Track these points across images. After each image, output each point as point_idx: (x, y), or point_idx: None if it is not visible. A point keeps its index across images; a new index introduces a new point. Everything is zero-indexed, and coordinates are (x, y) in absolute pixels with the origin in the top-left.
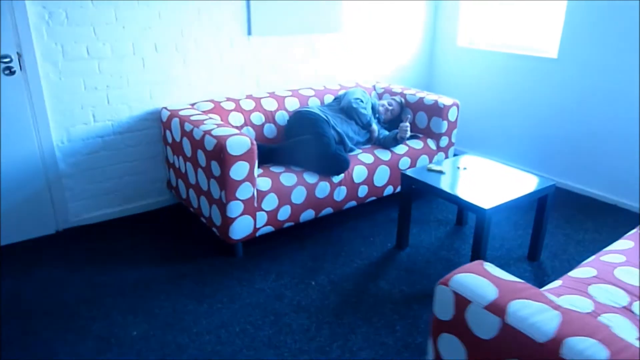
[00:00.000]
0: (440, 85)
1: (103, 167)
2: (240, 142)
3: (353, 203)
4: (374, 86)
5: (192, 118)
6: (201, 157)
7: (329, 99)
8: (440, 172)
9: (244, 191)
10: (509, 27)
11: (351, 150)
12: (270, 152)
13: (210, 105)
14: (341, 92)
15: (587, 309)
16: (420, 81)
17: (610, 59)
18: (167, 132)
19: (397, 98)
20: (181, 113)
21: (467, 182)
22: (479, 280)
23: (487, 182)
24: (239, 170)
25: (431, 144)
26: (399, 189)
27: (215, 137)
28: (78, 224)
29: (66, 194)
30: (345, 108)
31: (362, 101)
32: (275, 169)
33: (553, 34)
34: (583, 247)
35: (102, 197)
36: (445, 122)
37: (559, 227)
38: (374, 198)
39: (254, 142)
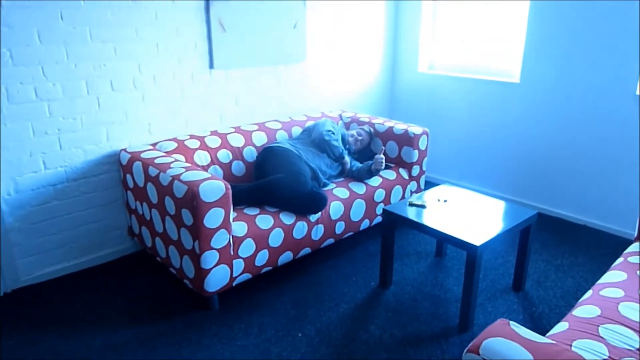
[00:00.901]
0: (402, 112)
1: (55, 218)
2: (214, 188)
3: (331, 241)
4: (340, 115)
5: (156, 161)
6: (170, 205)
7: (297, 131)
8: (422, 206)
9: (220, 239)
10: (470, 52)
11: (325, 185)
12: (242, 193)
13: (174, 145)
14: (309, 124)
15: (603, 354)
16: (383, 108)
17: (574, 81)
18: (128, 176)
19: (366, 127)
20: (143, 155)
21: (452, 216)
22: (511, 346)
23: (470, 214)
24: (213, 218)
25: (403, 173)
26: (375, 221)
27: (185, 182)
28: (30, 283)
29: (14, 250)
30: (317, 141)
31: (333, 133)
32: (249, 212)
33: (515, 57)
34: (563, 273)
35: (56, 250)
36: (416, 151)
37: (536, 253)
38: (351, 233)
39: (229, 186)
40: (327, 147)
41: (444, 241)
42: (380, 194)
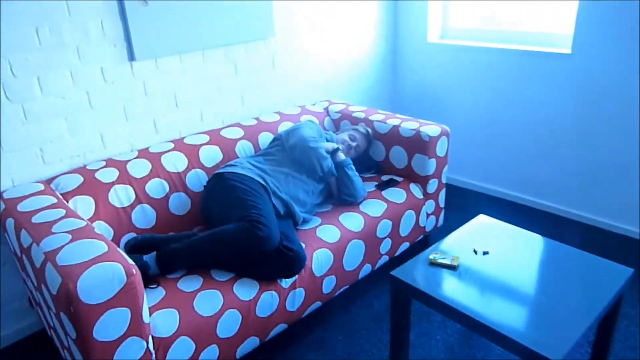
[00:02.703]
0: (408, 99)
1: None
2: (105, 279)
3: (317, 304)
4: (327, 110)
5: (34, 219)
6: (49, 300)
7: (265, 140)
8: (451, 266)
9: (128, 352)
10: (499, 11)
11: (304, 221)
12: (177, 255)
13: (78, 180)
14: (282, 129)
15: None
16: (382, 95)
17: None
18: (5, 236)
19: (362, 127)
20: (21, 206)
21: (501, 286)
22: None
23: (529, 281)
24: (110, 326)
25: (416, 191)
26: (380, 262)
27: (59, 271)
28: None
29: None
30: (296, 153)
31: (318, 140)
32: (185, 287)
33: (565, 17)
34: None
35: None
36: (433, 161)
37: None
38: (345, 287)
39: (135, 271)
40: (314, 160)
41: (495, 343)
42: (384, 227)
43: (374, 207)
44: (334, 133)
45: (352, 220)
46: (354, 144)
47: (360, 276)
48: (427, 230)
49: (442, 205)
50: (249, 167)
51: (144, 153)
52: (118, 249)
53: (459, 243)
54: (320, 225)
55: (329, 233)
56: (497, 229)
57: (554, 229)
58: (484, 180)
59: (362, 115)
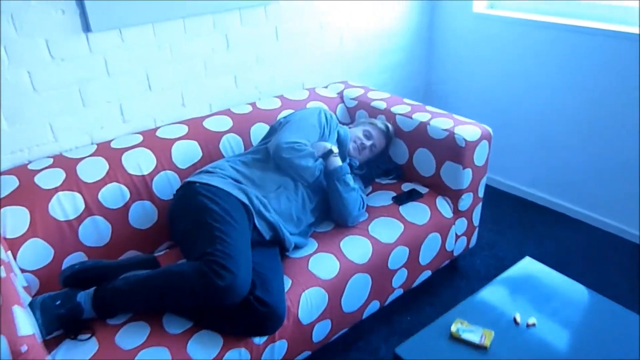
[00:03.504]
0: (445, 85)
1: None
2: None
3: (306, 354)
4: (341, 94)
5: None
6: None
7: (260, 133)
8: (480, 346)
9: None
10: None
11: (296, 247)
12: (117, 297)
13: (13, 184)
14: (282, 116)
15: None
16: (413, 80)
17: None
18: None
19: (380, 122)
20: None
21: None
22: None
23: None
24: None
25: (444, 207)
26: (391, 298)
27: None
28: None
29: None
30: (276, 162)
31: (299, 145)
32: (124, 341)
33: None
34: None
35: None
36: (469, 171)
37: None
38: (345, 330)
39: (31, 344)
40: (293, 173)
41: None
42: (399, 256)
43: (388, 229)
44: (349, 126)
45: (357, 247)
46: (368, 143)
47: (364, 315)
48: (456, 254)
49: (476, 223)
50: (232, 174)
51: (103, 149)
52: (15, 308)
53: (494, 303)
54: (315, 252)
55: (325, 265)
56: (547, 280)
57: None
58: (530, 185)
59: (383, 105)
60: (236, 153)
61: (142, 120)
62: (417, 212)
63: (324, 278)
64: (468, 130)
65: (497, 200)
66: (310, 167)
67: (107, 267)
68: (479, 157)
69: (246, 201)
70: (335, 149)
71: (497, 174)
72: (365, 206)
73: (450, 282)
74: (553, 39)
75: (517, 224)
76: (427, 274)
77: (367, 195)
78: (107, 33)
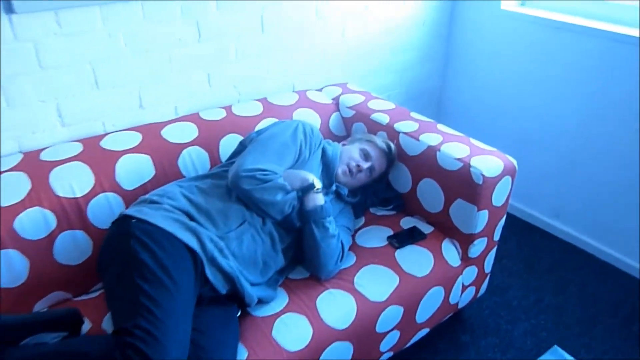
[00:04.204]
0: (463, 91)
1: None
2: None
3: None
4: (337, 100)
5: None
6: None
7: (232, 145)
8: None
9: None
10: None
11: (260, 302)
12: None
13: None
14: (262, 126)
15: None
16: (426, 88)
17: None
18: None
19: (380, 140)
20: None
21: None
22: None
23: None
24: None
25: (450, 253)
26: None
27: None
28: None
29: None
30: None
31: (263, 173)
32: None
33: None
34: None
35: None
36: (485, 213)
37: None
38: None
39: None
40: (253, 206)
41: None
42: (391, 317)
43: (379, 282)
44: (342, 143)
45: (338, 307)
46: (366, 165)
47: None
48: (461, 306)
49: (488, 269)
50: (182, 205)
51: (28, 161)
52: None
53: None
54: (284, 311)
55: (294, 330)
56: None
57: None
58: (554, 216)
59: (386, 119)
60: (199, 173)
61: (87, 124)
62: (418, 259)
63: (291, 349)
64: (487, 162)
65: (514, 232)
66: (278, 202)
67: (15, 323)
68: (499, 196)
69: (196, 247)
70: (318, 184)
71: (517, 199)
72: (343, 257)
73: (452, 336)
74: (598, 48)
75: (536, 263)
76: (424, 332)
77: (358, 230)
78: (38, 15)
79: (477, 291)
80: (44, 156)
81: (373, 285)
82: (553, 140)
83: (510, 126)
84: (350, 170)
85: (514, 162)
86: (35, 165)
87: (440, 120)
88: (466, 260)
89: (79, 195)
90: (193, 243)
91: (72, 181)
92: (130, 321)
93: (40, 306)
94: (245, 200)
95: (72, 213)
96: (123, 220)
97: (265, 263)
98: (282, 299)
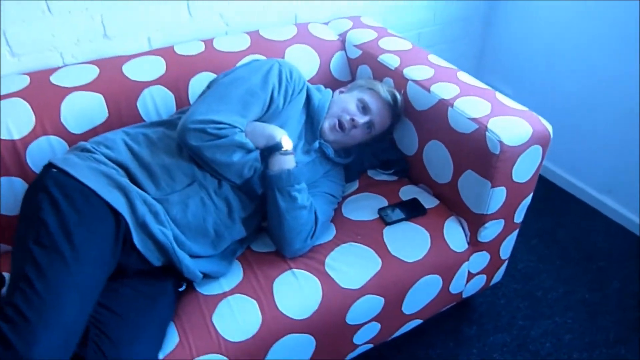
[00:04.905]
0: (514, 36)
1: None
2: None
3: None
4: (344, 37)
5: None
6: None
7: (201, 87)
8: None
9: None
10: None
11: (207, 277)
12: None
13: None
14: (244, 61)
15: None
16: (469, 20)
17: None
18: None
19: (384, 88)
20: None
21: None
22: None
23: None
24: None
25: (453, 235)
26: (354, 354)
27: None
28: None
29: None
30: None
31: (217, 127)
32: None
33: None
34: None
35: None
36: (501, 191)
37: None
38: None
39: None
40: (205, 166)
41: None
42: (367, 307)
43: (355, 266)
44: (339, 91)
45: (298, 292)
46: (362, 120)
47: None
48: (466, 295)
49: (505, 256)
50: (119, 156)
51: None
52: None
53: None
54: (233, 291)
55: (239, 316)
56: None
57: None
58: (605, 191)
59: (396, 61)
60: (162, 118)
61: (41, 55)
62: (411, 240)
63: (231, 339)
64: (510, 125)
65: (552, 206)
66: (234, 163)
67: None
68: (522, 170)
69: (122, 209)
70: (287, 144)
71: (561, 167)
72: (314, 233)
73: (453, 326)
74: None
75: (573, 247)
76: (414, 323)
77: (347, 197)
78: None
79: (489, 280)
80: (62, 78)
81: (347, 269)
82: (612, 102)
83: (563, 84)
84: (341, 125)
85: (549, 127)
86: None
87: (480, 72)
88: (475, 244)
89: (16, 137)
90: (118, 204)
91: (9, 121)
92: (9, 296)
93: None
94: (196, 159)
95: (8, 157)
96: (45, 169)
97: (217, 233)
98: (235, 276)
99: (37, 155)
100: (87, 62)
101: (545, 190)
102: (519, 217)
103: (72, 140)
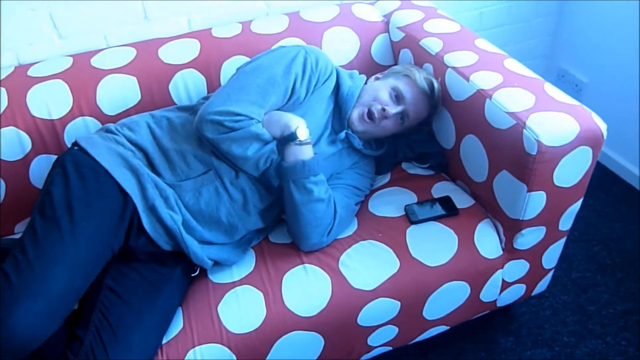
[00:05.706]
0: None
1: None
2: None
3: None
4: (388, 18)
5: None
6: None
7: (233, 71)
8: None
9: None
10: None
11: (218, 264)
12: None
13: None
14: (278, 46)
15: None
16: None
17: None
18: None
19: (422, 75)
20: None
21: None
22: None
23: None
24: None
25: (485, 239)
26: (370, 355)
27: None
28: None
29: None
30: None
31: (234, 119)
32: None
33: None
34: None
35: None
36: (540, 196)
37: None
38: None
39: None
40: (222, 157)
41: None
42: (382, 310)
43: (369, 266)
44: (374, 77)
45: (307, 288)
46: (394, 110)
47: None
48: (500, 304)
49: (549, 266)
50: (140, 139)
51: (16, 76)
52: None
53: None
54: (242, 282)
55: (245, 308)
56: None
57: None
58: None
59: (438, 46)
60: (193, 102)
61: (87, 38)
62: (435, 242)
63: (234, 331)
64: (553, 123)
65: (626, 211)
66: (249, 157)
67: None
68: (567, 174)
69: (131, 190)
70: (304, 133)
71: (623, 155)
72: (332, 229)
73: (488, 336)
74: None
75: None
76: (439, 329)
77: (376, 191)
78: None
79: (529, 290)
80: (32, 72)
81: (362, 268)
82: None
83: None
84: (370, 115)
85: (602, 126)
86: (18, 81)
87: (553, 57)
88: (511, 251)
89: (55, 117)
90: (128, 185)
91: (49, 101)
92: (4, 263)
93: (21, 228)
94: (214, 150)
95: (47, 136)
96: (71, 147)
97: (231, 224)
98: (247, 266)
99: (74, 134)
100: (127, 44)
101: (621, 193)
102: (565, 224)
103: (106, 121)
